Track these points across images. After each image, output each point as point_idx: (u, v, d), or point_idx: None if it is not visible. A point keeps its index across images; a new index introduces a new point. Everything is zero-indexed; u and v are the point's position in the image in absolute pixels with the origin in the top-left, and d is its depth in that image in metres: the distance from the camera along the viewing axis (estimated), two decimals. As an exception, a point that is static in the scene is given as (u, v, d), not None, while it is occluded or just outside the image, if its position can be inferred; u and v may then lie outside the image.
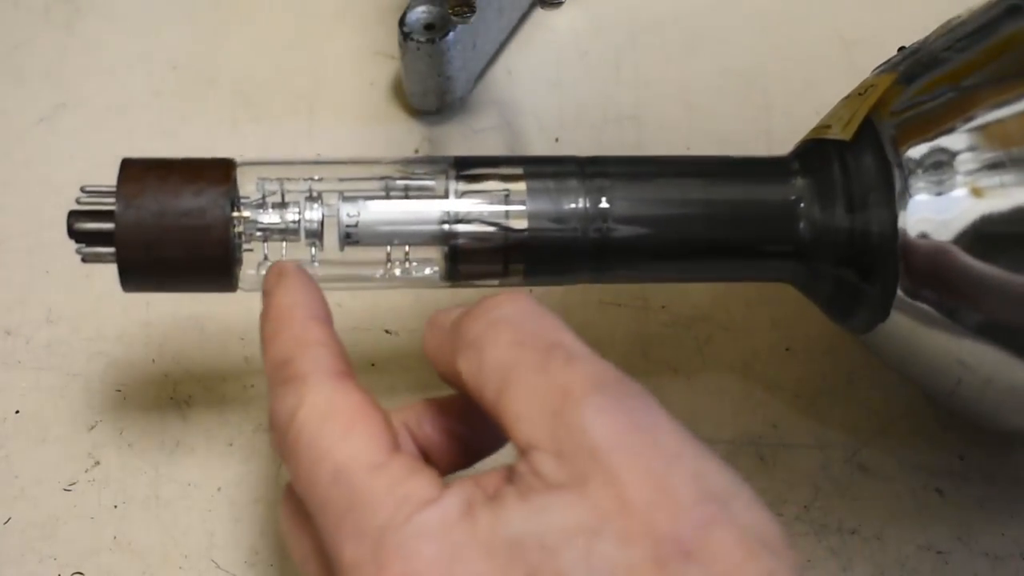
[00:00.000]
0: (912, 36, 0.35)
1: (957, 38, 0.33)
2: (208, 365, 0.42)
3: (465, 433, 0.31)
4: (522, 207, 0.33)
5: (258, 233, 0.33)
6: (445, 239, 0.33)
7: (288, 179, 0.33)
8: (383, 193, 0.33)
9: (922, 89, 0.32)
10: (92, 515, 0.39)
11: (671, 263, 0.34)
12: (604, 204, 0.33)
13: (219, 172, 0.32)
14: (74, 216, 0.32)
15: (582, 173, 0.33)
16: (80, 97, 0.49)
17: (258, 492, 0.39)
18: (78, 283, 0.43)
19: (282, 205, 0.33)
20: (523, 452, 0.26)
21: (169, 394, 0.41)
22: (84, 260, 0.32)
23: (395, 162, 0.34)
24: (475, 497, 0.26)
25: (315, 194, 0.33)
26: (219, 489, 0.39)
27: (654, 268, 0.34)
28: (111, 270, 0.32)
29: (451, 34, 0.44)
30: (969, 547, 0.38)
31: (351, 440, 0.28)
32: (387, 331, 0.43)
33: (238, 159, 0.33)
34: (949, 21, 0.34)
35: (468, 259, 0.33)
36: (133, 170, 0.32)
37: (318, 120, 0.48)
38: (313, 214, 0.33)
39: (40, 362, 0.42)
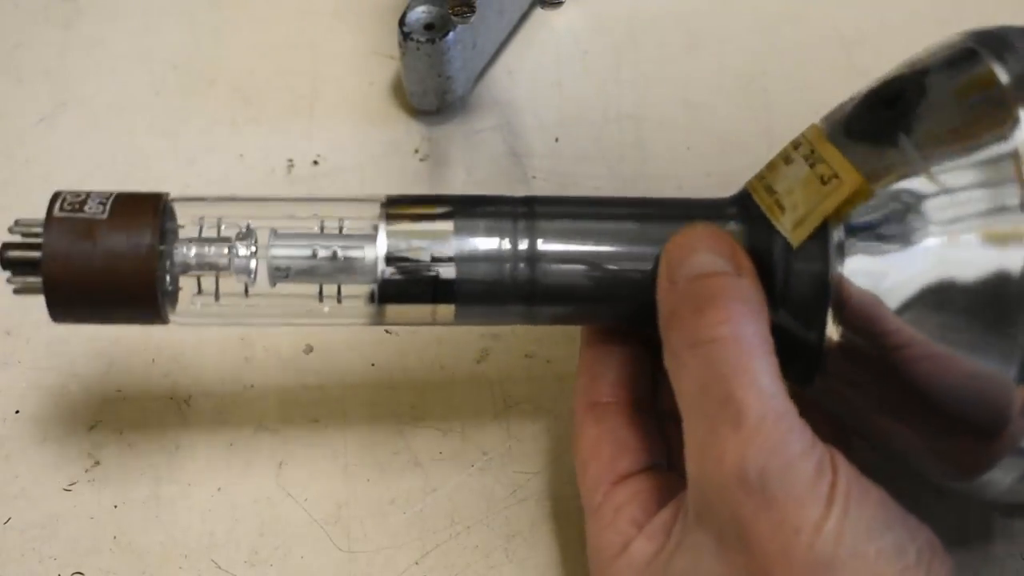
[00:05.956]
0: (912, 36, 0.35)
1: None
2: (208, 365, 0.42)
3: None
4: (450, 246, 0.33)
5: (193, 268, 0.33)
6: (374, 278, 0.33)
7: (225, 217, 0.34)
8: (316, 230, 0.33)
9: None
10: (92, 515, 0.39)
11: (602, 305, 0.33)
12: (534, 245, 0.33)
13: (147, 206, 0.32)
14: (5, 247, 0.32)
15: (513, 213, 0.33)
16: (80, 97, 0.49)
17: (258, 492, 0.39)
18: (78, 283, 0.43)
19: (214, 240, 0.33)
20: (689, 481, 0.30)
21: (169, 394, 0.41)
22: (16, 291, 0.32)
23: (328, 200, 0.34)
24: (657, 543, 0.31)
25: (247, 230, 0.33)
26: (219, 489, 0.39)
27: (585, 310, 0.34)
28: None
29: (451, 34, 0.44)
30: (969, 548, 0.38)
31: (583, 481, 0.33)
32: (387, 331, 0.43)
33: (172, 194, 0.33)
34: (912, 64, 0.33)
35: (397, 299, 0.33)
36: (63, 204, 0.32)
37: (318, 120, 0.48)
38: (244, 251, 0.33)
39: (40, 362, 0.42)
